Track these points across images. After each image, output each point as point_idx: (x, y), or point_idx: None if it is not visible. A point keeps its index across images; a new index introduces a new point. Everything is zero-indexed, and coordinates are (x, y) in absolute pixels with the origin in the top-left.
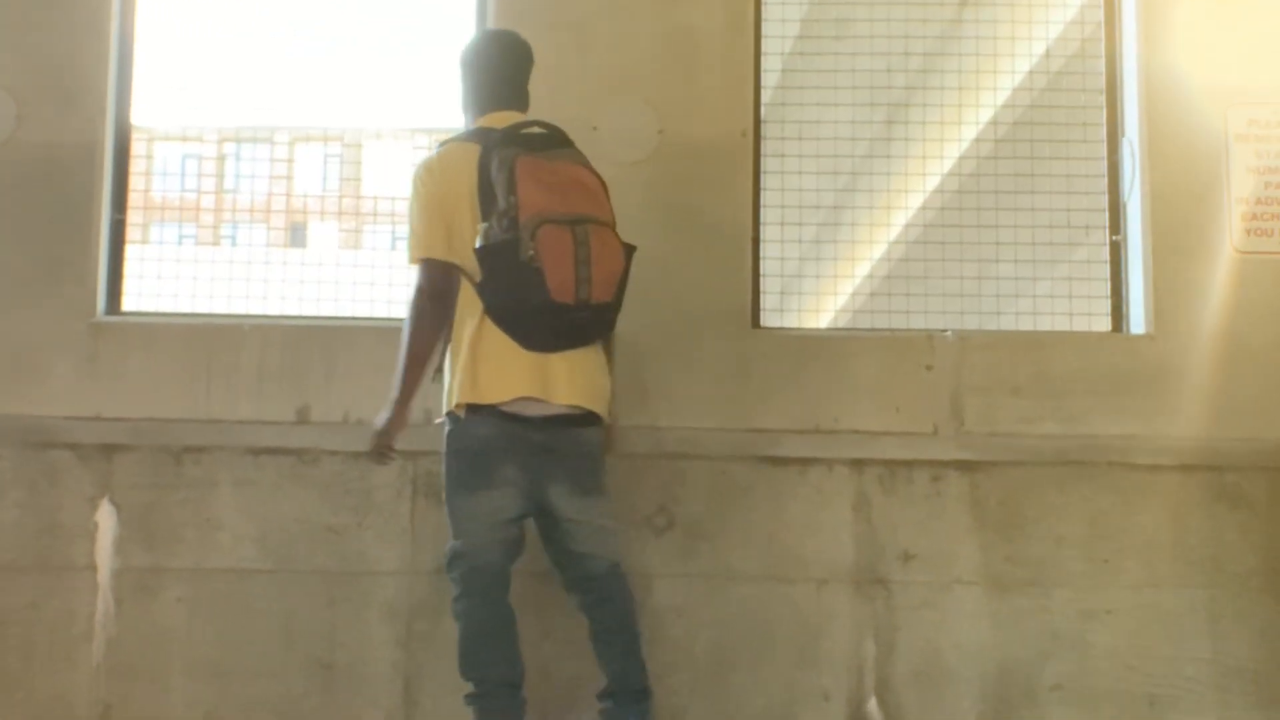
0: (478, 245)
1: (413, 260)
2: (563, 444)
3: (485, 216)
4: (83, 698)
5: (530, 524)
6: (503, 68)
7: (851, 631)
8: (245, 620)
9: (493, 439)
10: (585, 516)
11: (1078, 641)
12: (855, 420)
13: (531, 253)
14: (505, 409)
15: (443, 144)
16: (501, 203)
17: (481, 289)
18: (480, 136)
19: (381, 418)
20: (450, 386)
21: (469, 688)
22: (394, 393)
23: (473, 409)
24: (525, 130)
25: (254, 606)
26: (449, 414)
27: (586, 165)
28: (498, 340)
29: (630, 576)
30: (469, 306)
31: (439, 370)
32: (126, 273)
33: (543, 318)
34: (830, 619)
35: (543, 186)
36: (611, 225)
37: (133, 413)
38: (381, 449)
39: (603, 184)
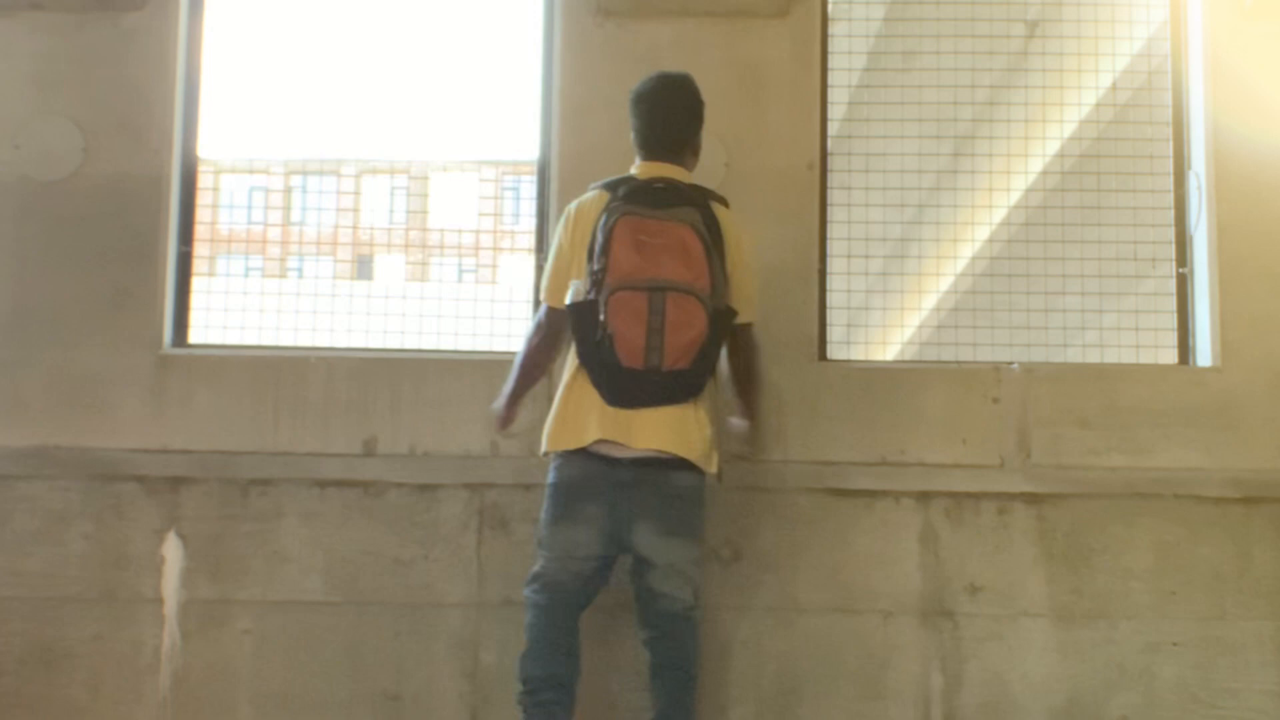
0: (566, 302)
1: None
2: (650, 482)
3: (585, 272)
4: None
5: (624, 560)
6: (656, 114)
7: (918, 664)
8: (312, 652)
9: (578, 478)
10: (665, 558)
11: (1144, 674)
12: (922, 453)
13: (603, 317)
14: (591, 449)
15: (592, 186)
16: (595, 263)
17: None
18: (613, 187)
19: (497, 404)
20: (547, 426)
21: (517, 688)
22: (504, 389)
23: (562, 452)
24: (654, 185)
25: (320, 639)
26: (546, 454)
27: (696, 227)
28: (588, 389)
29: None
30: (574, 353)
31: None
32: (193, 305)
33: (614, 378)
34: (897, 651)
35: (636, 248)
36: (700, 292)
37: (199, 445)
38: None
39: (707, 246)
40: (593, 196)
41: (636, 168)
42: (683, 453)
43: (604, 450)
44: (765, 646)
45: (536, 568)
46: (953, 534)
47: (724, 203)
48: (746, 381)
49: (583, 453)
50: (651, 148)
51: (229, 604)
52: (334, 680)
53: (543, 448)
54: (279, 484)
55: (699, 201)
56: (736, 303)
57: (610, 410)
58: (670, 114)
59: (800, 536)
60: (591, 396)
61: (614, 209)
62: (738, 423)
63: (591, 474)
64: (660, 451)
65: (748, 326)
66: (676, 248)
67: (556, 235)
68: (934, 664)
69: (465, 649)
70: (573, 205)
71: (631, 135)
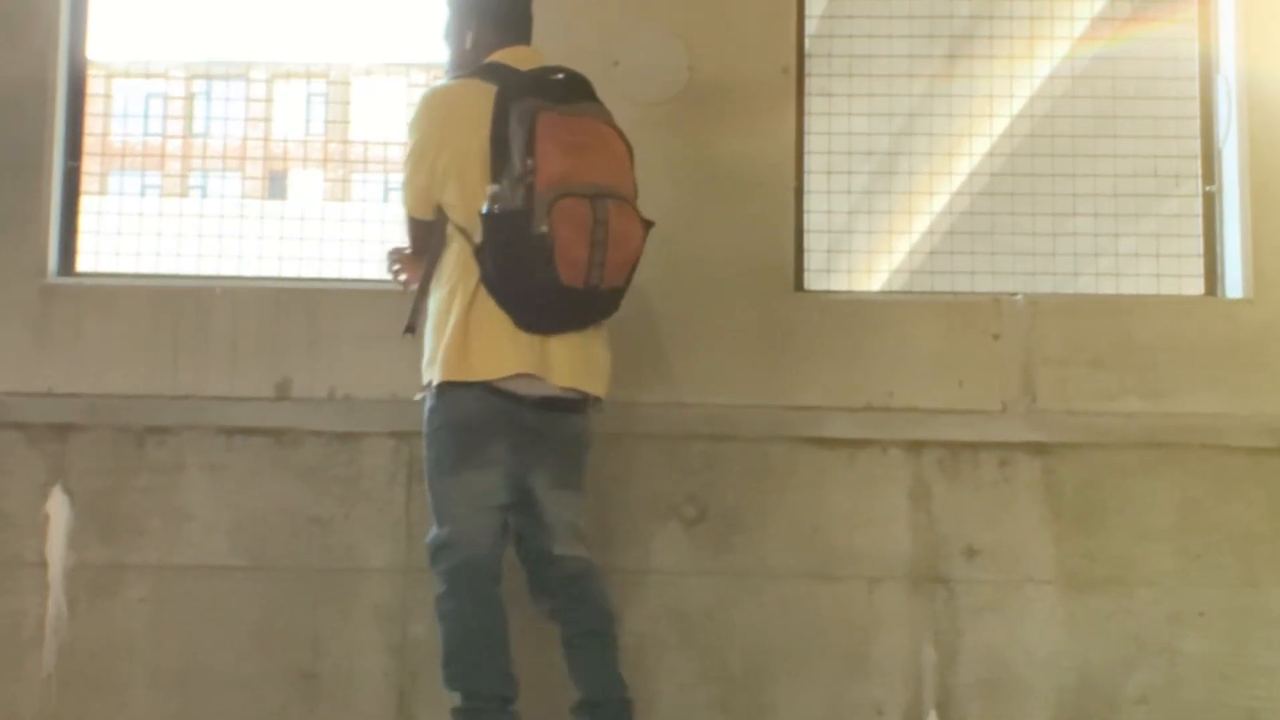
0: (484, 210)
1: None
2: (553, 429)
3: (496, 177)
4: (30, 711)
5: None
6: None
7: (908, 636)
8: (217, 624)
9: (483, 413)
10: (564, 513)
11: (1166, 648)
12: (912, 396)
13: (545, 228)
14: (498, 385)
15: (455, 77)
16: (518, 165)
17: (481, 256)
18: (499, 76)
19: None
20: (434, 359)
21: (455, 700)
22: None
23: (461, 384)
24: (551, 76)
25: (227, 608)
26: (431, 388)
27: (612, 124)
28: (493, 313)
29: (656, 574)
30: (463, 271)
31: (409, 329)
32: (81, 228)
33: (545, 299)
34: (883, 622)
35: (565, 149)
36: (633, 199)
37: (89, 388)
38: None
39: (628, 147)
40: (464, 86)
41: (501, 54)
42: (596, 390)
43: (511, 386)
44: (733, 618)
45: (442, 535)
46: (947, 489)
47: None
48: None
49: (482, 386)
50: (522, 30)
51: (122, 569)
52: (241, 655)
53: (435, 378)
54: (179, 432)
55: (595, 96)
56: None
57: (524, 337)
58: None
59: (773, 492)
60: (498, 319)
61: (524, 105)
62: None
63: (494, 409)
64: (574, 390)
65: None
66: (602, 148)
67: (411, 132)
68: (926, 637)
69: (392, 620)
70: (435, 90)
71: (479, 27)
